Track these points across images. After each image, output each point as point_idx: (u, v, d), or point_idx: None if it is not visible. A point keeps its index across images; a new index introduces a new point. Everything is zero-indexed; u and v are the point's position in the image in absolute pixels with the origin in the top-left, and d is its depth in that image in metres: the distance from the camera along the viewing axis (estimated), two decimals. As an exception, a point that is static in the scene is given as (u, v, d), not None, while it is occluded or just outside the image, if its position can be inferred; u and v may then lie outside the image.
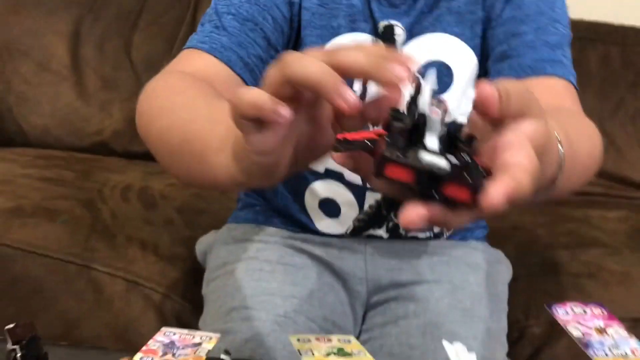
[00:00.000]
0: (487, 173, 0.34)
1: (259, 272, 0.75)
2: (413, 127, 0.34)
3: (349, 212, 0.77)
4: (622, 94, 1.40)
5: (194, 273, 0.88)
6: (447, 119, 0.34)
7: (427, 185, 0.33)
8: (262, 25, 0.67)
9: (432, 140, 0.34)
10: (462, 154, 0.34)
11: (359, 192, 0.75)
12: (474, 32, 0.71)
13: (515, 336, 0.89)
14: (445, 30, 0.70)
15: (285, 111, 0.35)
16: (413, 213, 0.34)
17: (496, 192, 0.32)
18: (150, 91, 0.60)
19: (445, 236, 0.81)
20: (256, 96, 0.35)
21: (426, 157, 0.33)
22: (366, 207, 0.76)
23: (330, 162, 0.75)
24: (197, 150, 0.48)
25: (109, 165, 1.25)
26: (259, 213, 0.83)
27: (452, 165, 0.33)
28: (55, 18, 1.39)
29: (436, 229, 0.79)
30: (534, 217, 1.16)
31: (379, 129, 0.37)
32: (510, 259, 0.88)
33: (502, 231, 1.07)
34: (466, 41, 0.71)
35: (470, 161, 0.33)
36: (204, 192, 1.15)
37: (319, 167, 0.76)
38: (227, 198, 1.08)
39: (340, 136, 0.37)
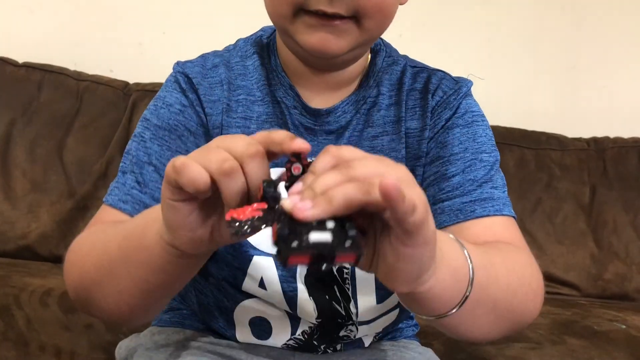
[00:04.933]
0: (360, 229, 0.40)
1: (180, 380, 0.72)
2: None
3: (281, 334, 0.73)
4: (539, 194, 1.49)
5: (114, 381, 0.84)
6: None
7: (321, 258, 0.38)
8: None
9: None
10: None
11: (293, 316, 0.72)
12: None
13: None
14: None
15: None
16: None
17: None
18: (77, 242, 0.63)
19: (374, 338, 0.80)
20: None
21: (313, 237, 0.38)
22: (299, 332, 0.73)
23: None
24: (135, 236, 0.53)
25: (31, 269, 1.20)
26: (185, 317, 0.81)
27: (333, 232, 0.38)
28: (-13, 121, 1.38)
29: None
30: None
31: (258, 202, 0.42)
32: (438, 356, 0.88)
33: (431, 328, 1.08)
34: None
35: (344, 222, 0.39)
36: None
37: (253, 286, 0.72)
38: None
39: (228, 216, 0.41)
